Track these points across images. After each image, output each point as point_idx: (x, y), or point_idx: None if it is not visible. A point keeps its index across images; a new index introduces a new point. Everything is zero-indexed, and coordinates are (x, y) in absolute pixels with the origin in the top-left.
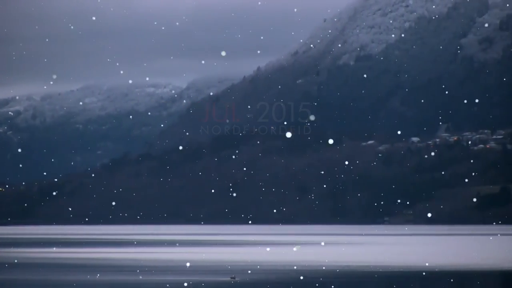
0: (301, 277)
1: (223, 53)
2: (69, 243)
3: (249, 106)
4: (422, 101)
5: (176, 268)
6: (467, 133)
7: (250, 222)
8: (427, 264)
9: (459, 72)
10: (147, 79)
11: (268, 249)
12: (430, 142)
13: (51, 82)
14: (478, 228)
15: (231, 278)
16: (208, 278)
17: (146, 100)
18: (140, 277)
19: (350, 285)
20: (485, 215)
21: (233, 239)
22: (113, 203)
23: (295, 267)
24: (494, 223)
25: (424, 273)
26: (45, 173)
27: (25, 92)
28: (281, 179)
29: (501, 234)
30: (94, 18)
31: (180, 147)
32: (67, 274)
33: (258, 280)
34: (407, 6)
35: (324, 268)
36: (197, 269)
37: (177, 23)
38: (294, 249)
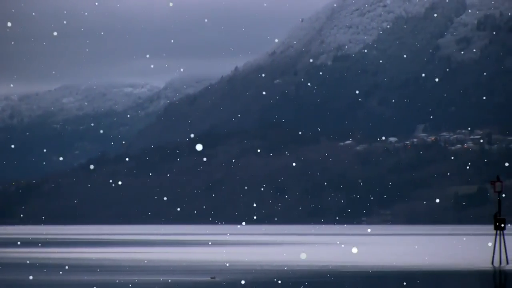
0: (280, 277)
1: None
2: (47, 243)
3: (227, 106)
4: (400, 101)
5: (155, 268)
6: (444, 133)
7: (228, 222)
8: (401, 264)
9: (436, 72)
10: (125, 76)
11: (246, 249)
12: (407, 142)
13: (29, 82)
14: (455, 228)
15: (211, 278)
16: (188, 278)
17: (124, 100)
18: (118, 277)
19: (329, 285)
20: (463, 215)
21: (212, 239)
22: (91, 203)
23: (273, 267)
24: (472, 223)
25: (396, 273)
26: (22, 173)
27: (3, 92)
28: (259, 179)
29: (478, 234)
30: (72, 18)
31: (158, 147)
32: (43, 274)
33: (237, 280)
34: (384, 6)
35: (302, 268)
36: (176, 269)
37: (155, 24)
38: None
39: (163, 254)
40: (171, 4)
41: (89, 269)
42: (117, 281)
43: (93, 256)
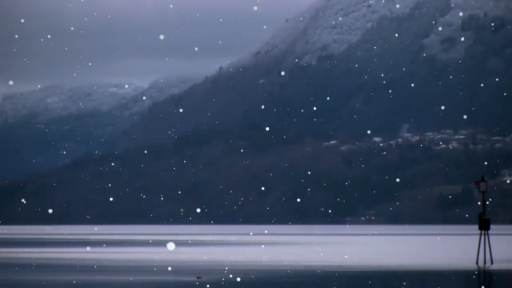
0: (265, 277)
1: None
2: (32, 243)
3: (211, 106)
4: (384, 101)
5: (140, 268)
6: (429, 133)
7: (212, 222)
8: (384, 264)
9: (421, 72)
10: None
11: (232, 249)
12: (392, 142)
13: (13, 82)
14: (440, 228)
15: (197, 278)
16: (173, 278)
17: (109, 100)
18: (103, 277)
19: (314, 285)
20: (447, 215)
21: (196, 239)
22: (76, 203)
23: (259, 267)
24: (456, 223)
25: (380, 273)
26: (7, 173)
27: None
28: (243, 179)
29: (462, 234)
30: (57, 17)
31: (143, 147)
32: (28, 275)
33: (224, 280)
34: (369, 6)
35: (286, 268)
36: (161, 269)
37: (140, 23)
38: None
39: (147, 254)
40: (155, 4)
41: (71, 269)
42: (101, 281)
43: (76, 256)
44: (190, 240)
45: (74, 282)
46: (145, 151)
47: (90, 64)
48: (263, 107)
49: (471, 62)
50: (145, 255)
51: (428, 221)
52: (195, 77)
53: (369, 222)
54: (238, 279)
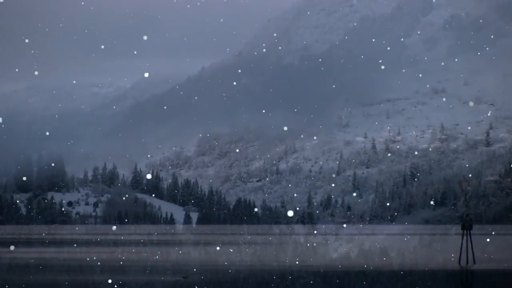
0: (253, 277)
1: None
2: (23, 243)
3: (193, 106)
4: (367, 100)
5: (127, 268)
6: (411, 133)
7: (198, 222)
8: (368, 263)
9: (403, 71)
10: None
11: (217, 248)
12: (374, 142)
13: None
14: (422, 228)
15: (183, 277)
16: (160, 278)
17: (91, 99)
18: (90, 276)
19: (302, 285)
20: (430, 214)
21: (183, 239)
22: (58, 203)
23: (246, 267)
24: (439, 223)
25: (364, 273)
26: None
27: None
28: (225, 177)
29: (445, 234)
30: (39, 17)
31: (125, 147)
32: (21, 274)
33: (209, 280)
34: (351, 6)
35: (271, 267)
36: (147, 268)
37: (122, 23)
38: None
39: (133, 254)
40: (138, 4)
41: (57, 269)
42: (88, 280)
43: (61, 256)
44: (175, 240)
45: (59, 282)
46: (128, 151)
47: (72, 64)
48: (245, 106)
49: (453, 62)
50: (131, 255)
51: (411, 220)
52: (177, 77)
53: (351, 221)
54: (223, 279)
